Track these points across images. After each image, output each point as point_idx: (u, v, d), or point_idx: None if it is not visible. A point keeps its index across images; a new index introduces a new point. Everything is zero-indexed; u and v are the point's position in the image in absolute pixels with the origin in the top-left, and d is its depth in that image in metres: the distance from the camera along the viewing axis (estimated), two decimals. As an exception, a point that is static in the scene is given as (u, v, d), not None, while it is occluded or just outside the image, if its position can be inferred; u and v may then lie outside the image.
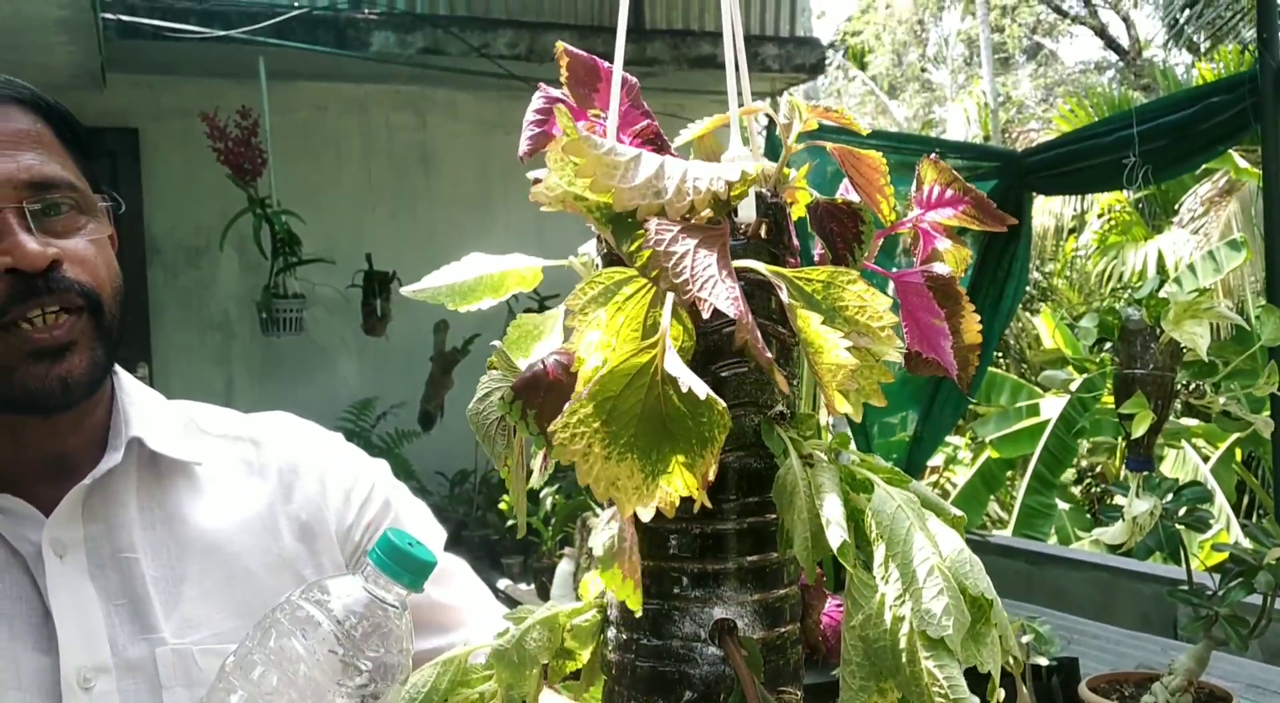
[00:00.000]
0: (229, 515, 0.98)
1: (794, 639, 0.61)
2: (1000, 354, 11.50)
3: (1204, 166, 7.74)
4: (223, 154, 4.33)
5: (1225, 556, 2.35)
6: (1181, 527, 2.29)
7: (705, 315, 0.50)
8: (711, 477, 0.50)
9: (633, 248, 0.52)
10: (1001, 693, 1.83)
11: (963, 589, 0.53)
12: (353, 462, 1.08)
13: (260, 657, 0.69)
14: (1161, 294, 1.96)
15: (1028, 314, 11.48)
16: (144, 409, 0.99)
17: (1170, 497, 2.26)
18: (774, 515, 0.60)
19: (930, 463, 8.93)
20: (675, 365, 0.49)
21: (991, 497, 8.21)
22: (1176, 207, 10.53)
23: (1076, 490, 9.88)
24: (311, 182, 5.16)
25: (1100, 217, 11.00)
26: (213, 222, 4.75)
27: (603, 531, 0.57)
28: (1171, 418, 2.06)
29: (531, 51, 5.01)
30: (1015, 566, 4.29)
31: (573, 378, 0.53)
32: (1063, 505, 8.63)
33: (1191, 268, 7.69)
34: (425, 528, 1.09)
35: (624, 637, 0.60)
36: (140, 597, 0.92)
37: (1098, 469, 9.67)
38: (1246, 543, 2.41)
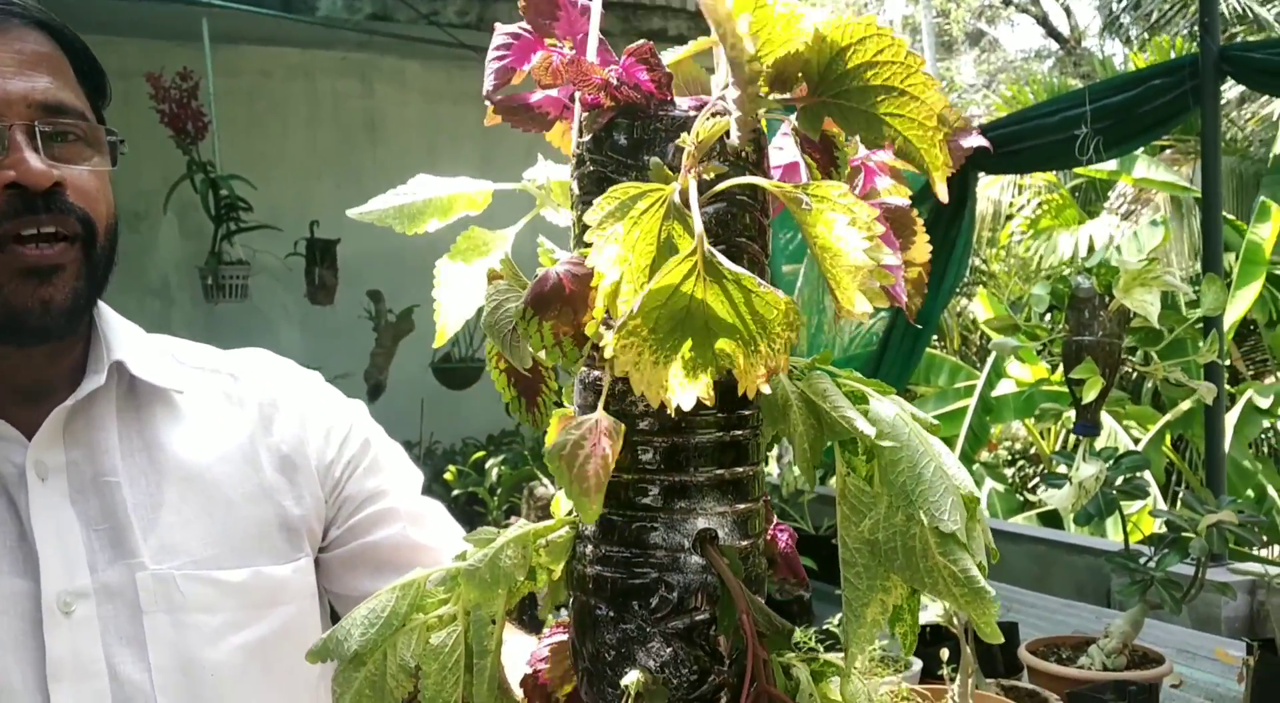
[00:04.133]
0: (209, 445, 0.98)
1: (760, 550, 0.62)
2: (939, 337, 11.65)
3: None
4: (166, 116, 4.25)
5: (1151, 530, 2.41)
6: (1120, 494, 2.34)
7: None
8: (779, 367, 0.50)
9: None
10: (945, 652, 1.86)
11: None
12: (332, 399, 1.08)
13: None
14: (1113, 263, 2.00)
15: (965, 299, 11.64)
16: (125, 337, 0.98)
17: (1110, 464, 2.32)
18: (750, 429, 0.61)
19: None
20: (727, 264, 0.49)
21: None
22: (1109, 193, 10.72)
23: (1009, 472, 10.06)
24: (255, 148, 5.08)
25: (1035, 200, 11.16)
26: (154, 186, 4.66)
27: (560, 436, 0.57)
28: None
29: (481, 20, 4.97)
30: (954, 538, 4.36)
31: (585, 288, 0.54)
32: (996, 486, 8.79)
33: (1118, 249, 7.84)
34: (403, 469, 1.09)
35: (602, 551, 0.61)
36: (120, 522, 0.91)
37: (1031, 451, 9.85)
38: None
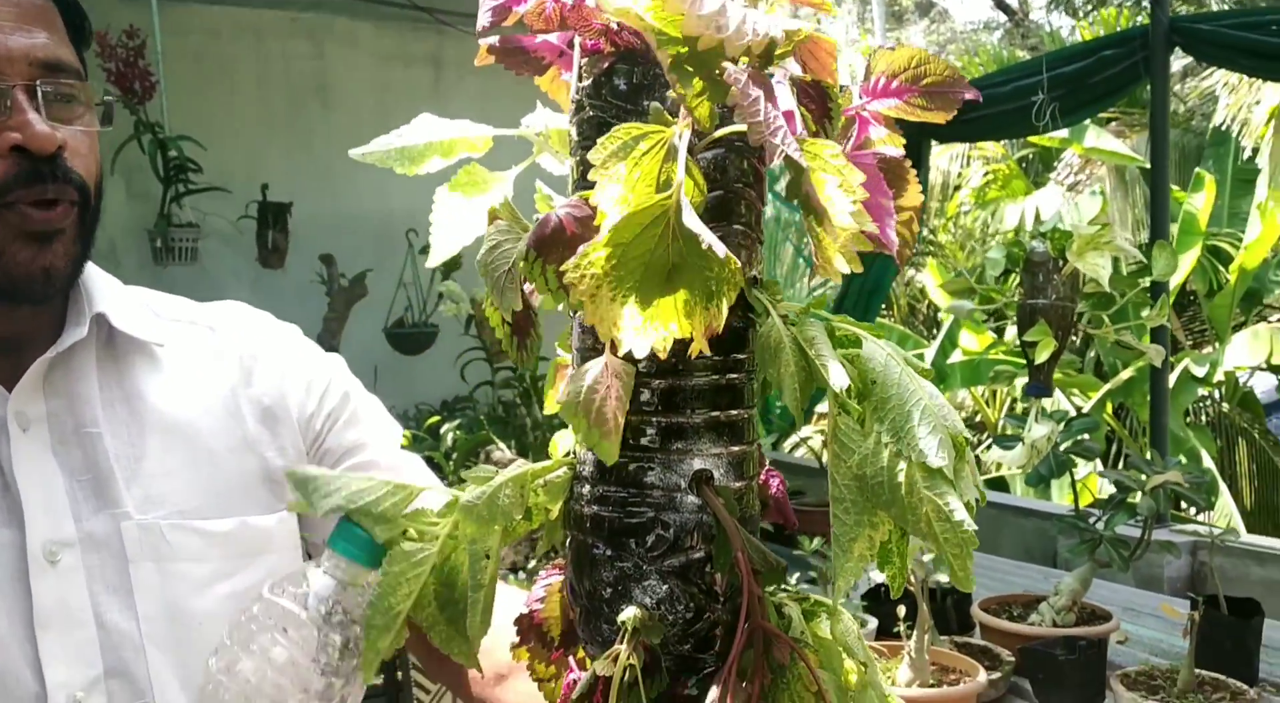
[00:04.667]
0: (190, 397, 0.97)
1: (753, 492, 0.64)
2: (886, 306, 11.76)
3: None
4: (112, 75, 4.17)
5: (1095, 495, 2.46)
6: (1070, 456, 2.39)
7: (773, 163, 0.51)
8: (718, 328, 0.51)
9: (696, 92, 0.53)
10: (902, 610, 1.90)
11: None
12: (311, 352, 1.08)
13: (244, 653, 0.72)
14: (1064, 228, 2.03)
15: (912, 269, 11.75)
16: (105, 289, 0.97)
17: (1062, 426, 2.37)
18: (745, 372, 0.62)
19: (819, 410, 9.15)
20: (691, 220, 0.50)
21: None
22: (1055, 164, 10.87)
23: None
24: (204, 109, 5.00)
25: (983, 171, 11.28)
26: (100, 147, 4.58)
27: (572, 384, 0.58)
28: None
29: (435, -18, 4.92)
30: (905, 502, 4.44)
31: (587, 230, 0.54)
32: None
33: (1060, 218, 7.97)
34: (382, 422, 1.10)
35: (599, 491, 0.62)
36: (103, 472, 0.91)
37: (977, 419, 10.00)
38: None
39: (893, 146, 0.67)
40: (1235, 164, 9.21)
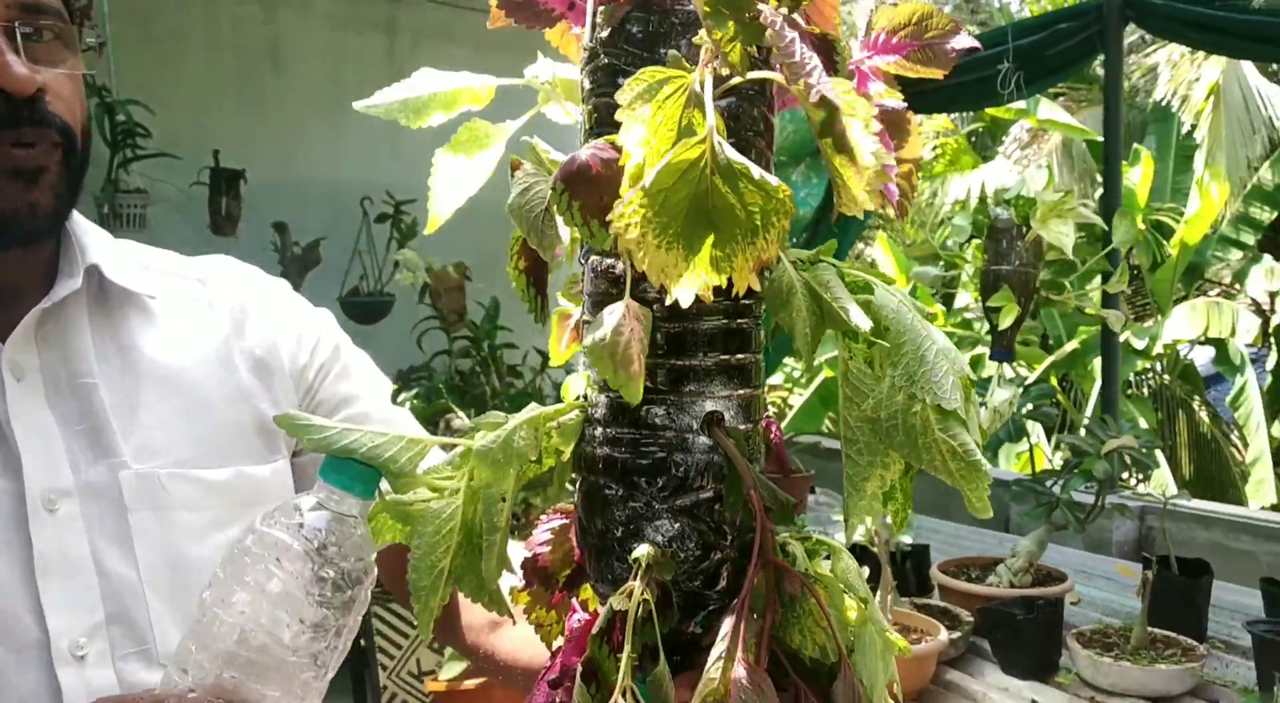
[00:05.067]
0: (184, 348, 0.97)
1: (759, 434, 0.65)
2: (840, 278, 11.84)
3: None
4: (59, 36, 4.07)
5: (1041, 466, 2.51)
6: (1028, 420, 2.44)
7: (813, 100, 0.52)
8: (772, 259, 0.52)
9: (730, 34, 0.53)
10: (866, 570, 1.94)
11: (954, 371, 0.58)
12: (301, 305, 1.08)
13: (238, 585, 0.73)
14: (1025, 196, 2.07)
15: (862, 244, 11.83)
16: (97, 242, 0.96)
17: (1020, 392, 2.41)
18: (752, 318, 0.64)
19: (770, 382, 9.20)
20: (734, 155, 0.51)
21: (828, 413, 8.55)
22: (1003, 138, 10.98)
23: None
24: (152, 72, 4.90)
25: (931, 145, 11.37)
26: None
27: (597, 330, 0.59)
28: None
29: (389, -55, 4.86)
30: (859, 470, 4.49)
31: (612, 171, 0.55)
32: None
33: (1025, 186, 8.06)
34: (373, 376, 1.10)
35: (612, 432, 0.63)
36: (99, 422, 0.90)
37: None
38: (1056, 462, 2.59)
39: (895, 99, 0.68)
40: (1177, 139, 9.37)
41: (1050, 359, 8.62)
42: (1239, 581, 2.82)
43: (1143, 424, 7.83)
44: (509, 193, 0.71)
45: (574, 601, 0.71)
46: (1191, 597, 2.28)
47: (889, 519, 1.92)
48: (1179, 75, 9.70)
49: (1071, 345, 8.10)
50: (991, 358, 2.34)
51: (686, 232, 0.51)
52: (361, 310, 5.17)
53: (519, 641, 0.97)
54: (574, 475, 0.67)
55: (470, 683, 2.34)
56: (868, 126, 0.54)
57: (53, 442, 0.89)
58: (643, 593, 0.60)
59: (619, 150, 0.57)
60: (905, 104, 0.69)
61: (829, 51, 0.67)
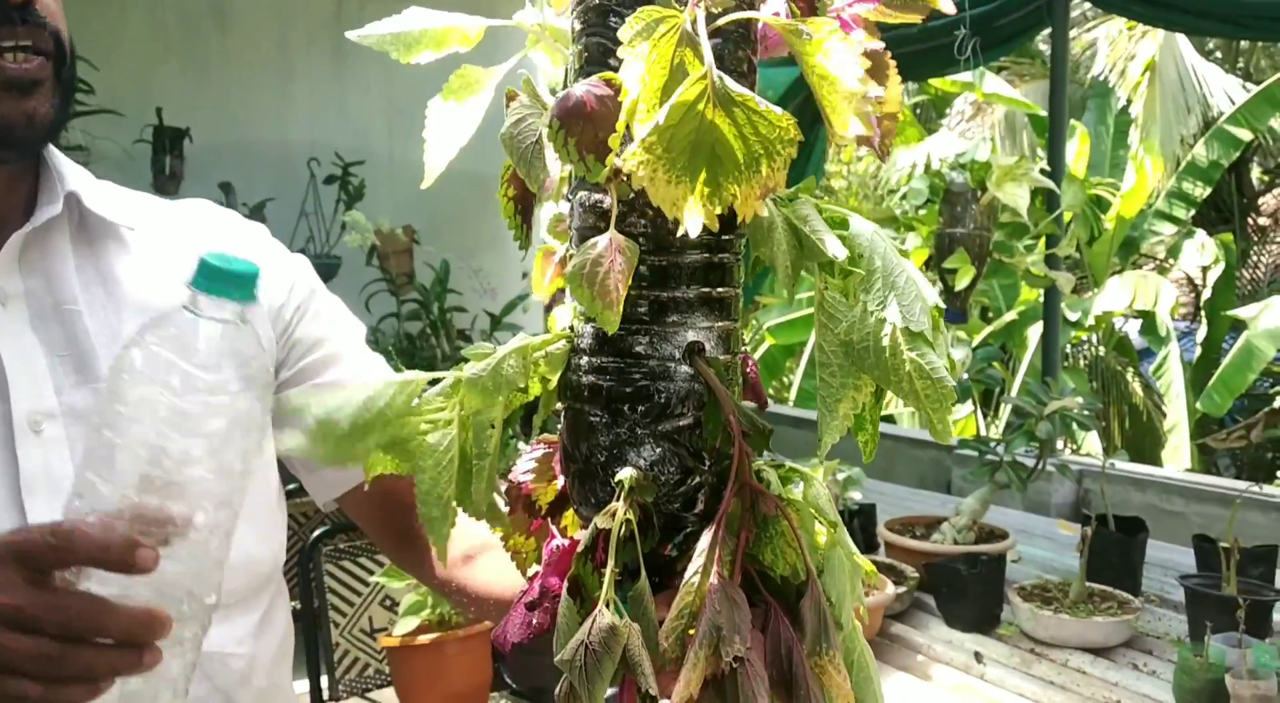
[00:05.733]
0: (163, 282, 0.97)
1: (738, 365, 0.68)
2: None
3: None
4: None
5: (972, 433, 2.56)
6: (974, 383, 2.50)
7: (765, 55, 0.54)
8: (779, 185, 0.54)
9: None
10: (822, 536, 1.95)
11: (923, 299, 0.61)
12: (278, 249, 1.09)
13: (126, 409, 0.70)
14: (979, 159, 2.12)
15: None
16: (75, 172, 0.96)
17: (971, 354, 2.47)
18: (733, 253, 0.66)
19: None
20: (736, 87, 0.53)
21: (772, 380, 8.65)
22: (947, 111, 11.08)
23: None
24: (93, 27, 4.81)
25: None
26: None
27: (578, 257, 0.61)
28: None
29: (340, -98, 4.79)
30: (804, 434, 4.56)
31: (607, 108, 0.57)
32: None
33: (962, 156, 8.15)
34: (346, 319, 1.11)
35: (596, 361, 0.65)
36: (84, 349, 0.91)
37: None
38: (986, 431, 2.65)
39: (874, 43, 0.71)
40: (1116, 114, 9.52)
41: (989, 328, 8.76)
42: (1172, 540, 2.92)
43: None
44: (459, 153, 0.73)
45: (553, 528, 0.73)
46: (1127, 553, 2.36)
47: (840, 476, 1.95)
48: (1117, 51, 9.85)
49: (1010, 316, 8.24)
50: (946, 320, 2.39)
51: (693, 165, 0.53)
52: (309, 272, 5.11)
53: (492, 574, 0.99)
54: (559, 404, 0.69)
55: (424, 638, 2.36)
56: (850, 49, 0.57)
57: (37, 366, 0.89)
58: (625, 513, 0.63)
59: (612, 87, 0.59)
60: (883, 47, 0.71)
61: (809, -1, 0.70)
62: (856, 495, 2.20)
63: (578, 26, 0.65)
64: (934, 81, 9.49)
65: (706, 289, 0.65)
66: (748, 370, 0.73)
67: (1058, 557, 2.76)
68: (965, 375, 2.43)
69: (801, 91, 4.51)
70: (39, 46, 0.86)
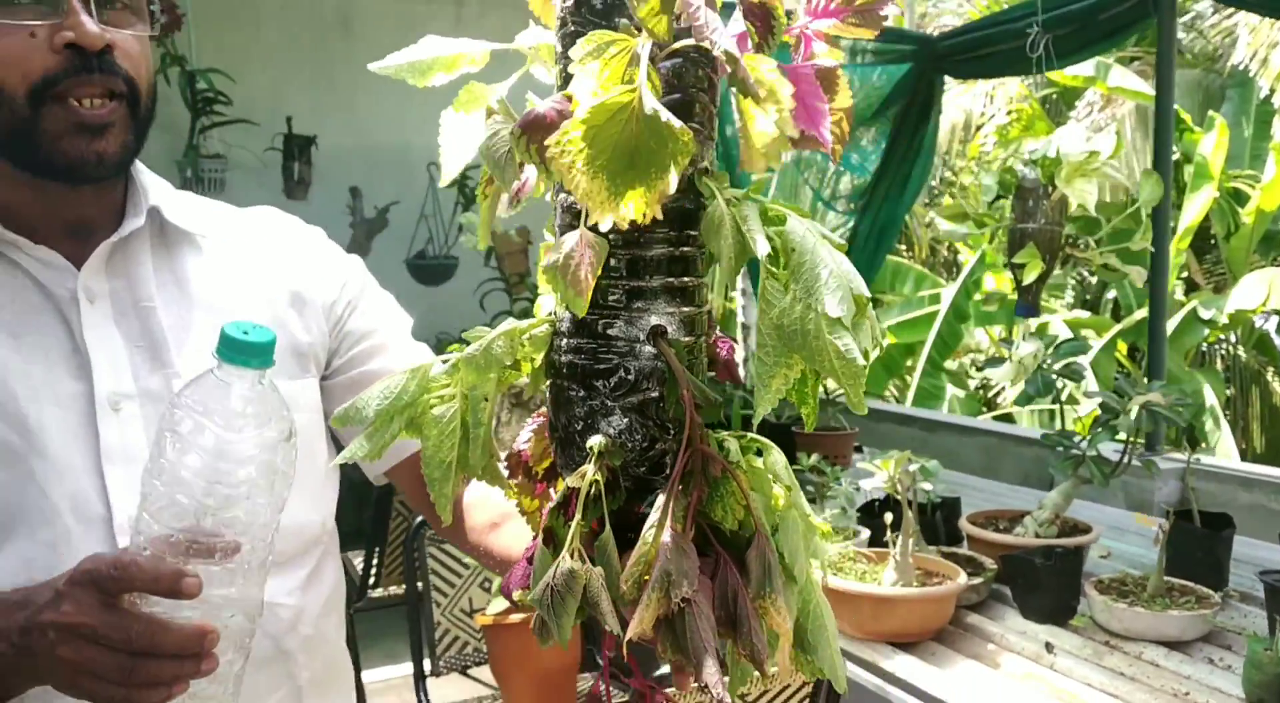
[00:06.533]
0: (230, 281, 1.11)
1: (701, 347, 0.76)
2: (905, 247, 11.80)
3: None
4: (141, 7, 4.26)
5: (1064, 427, 2.56)
6: (1058, 377, 2.51)
7: (716, 53, 0.63)
8: (669, 191, 0.63)
9: (652, 8, 0.65)
10: (890, 516, 2.03)
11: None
12: (334, 249, 1.24)
13: (171, 462, 0.84)
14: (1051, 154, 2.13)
15: (934, 211, 11.75)
16: (158, 187, 1.11)
17: (1051, 349, 2.48)
18: (696, 246, 0.75)
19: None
20: (651, 102, 0.62)
21: (891, 379, 8.60)
22: (1077, 103, 10.82)
23: (973, 383, 10.34)
24: (229, 41, 5.10)
25: (1005, 109, 11.22)
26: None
27: (553, 253, 0.70)
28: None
29: (456, -84, 4.98)
30: (910, 431, 4.57)
31: (565, 119, 0.66)
32: (957, 393, 9.04)
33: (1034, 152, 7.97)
34: (394, 313, 1.24)
35: (573, 342, 0.74)
36: (157, 340, 1.05)
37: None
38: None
39: (831, 59, 0.78)
40: (1257, 104, 9.17)
41: (1118, 327, 8.55)
42: (1274, 538, 2.86)
43: (1210, 396, 7.74)
44: None
45: (552, 491, 0.83)
46: (1211, 549, 2.35)
47: (912, 467, 2.00)
48: (1258, 38, 9.48)
49: (1139, 314, 8.02)
50: (1016, 313, 2.41)
51: (610, 165, 0.62)
52: (427, 272, 5.33)
53: (512, 538, 1.10)
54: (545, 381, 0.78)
55: (515, 618, 2.48)
56: (771, 98, 0.65)
57: (118, 354, 1.03)
58: (594, 475, 0.72)
59: (571, 101, 0.68)
60: (838, 63, 0.79)
61: (767, 18, 0.78)
62: (927, 487, 2.24)
63: (559, 49, 0.75)
64: (1057, 75, 9.27)
65: (671, 279, 0.74)
66: (721, 353, 0.81)
67: (1149, 554, 2.74)
68: (1048, 369, 2.44)
69: (905, 92, 4.53)
70: (113, 91, 0.99)
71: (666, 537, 0.69)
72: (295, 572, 1.12)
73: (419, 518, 2.80)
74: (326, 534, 1.18)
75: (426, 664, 2.77)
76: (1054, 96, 11.52)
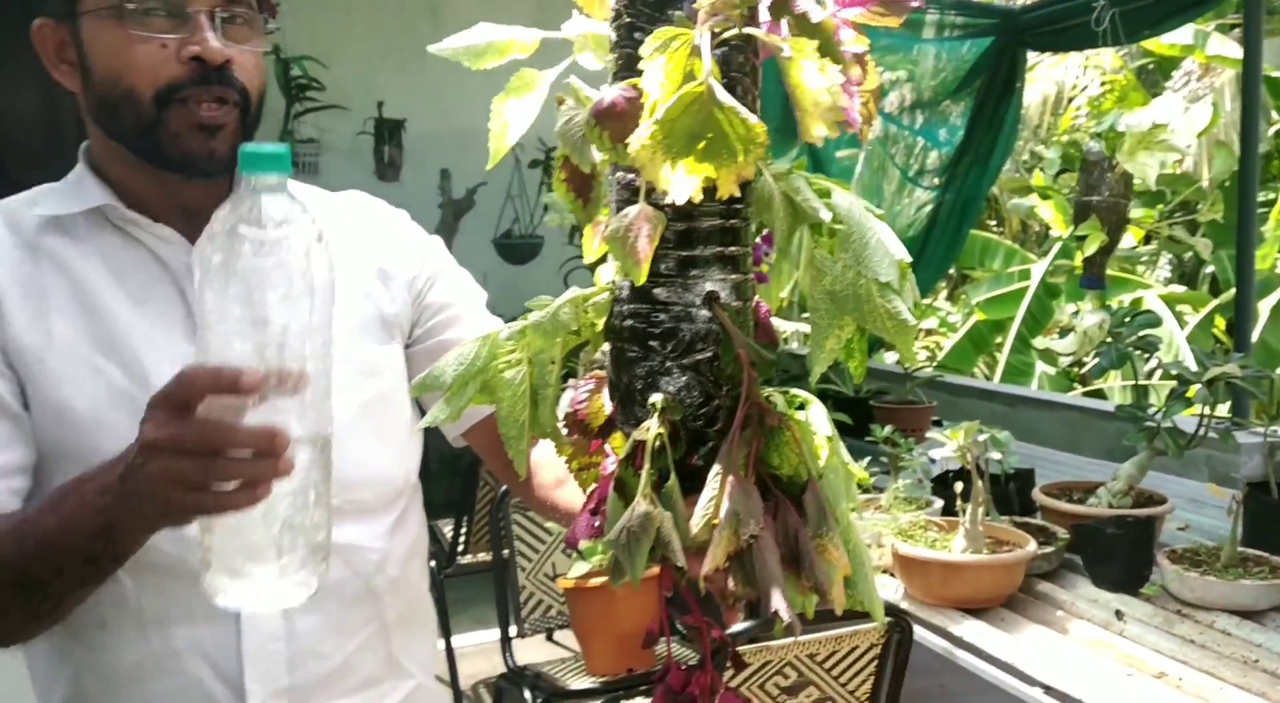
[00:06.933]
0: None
1: (749, 311, 0.83)
2: (995, 222, 11.64)
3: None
4: (238, -2, 4.43)
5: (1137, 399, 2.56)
6: (1132, 348, 2.52)
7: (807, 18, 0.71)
8: (748, 176, 0.70)
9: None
10: (960, 485, 2.09)
11: (891, 256, 0.76)
12: (416, 229, 1.35)
13: (217, 303, 0.85)
14: (1120, 128, 2.15)
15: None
16: None
17: (1125, 321, 2.49)
18: (742, 219, 0.81)
19: (925, 326, 9.20)
20: (725, 97, 0.69)
21: (980, 356, 8.53)
22: (1173, 73, 10.54)
23: (1065, 361, 10.20)
24: (320, 29, 5.26)
25: (1098, 81, 10.98)
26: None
27: (614, 225, 0.78)
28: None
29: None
30: (992, 406, 4.57)
31: (633, 107, 0.74)
32: (1047, 369, 8.93)
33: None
34: (471, 287, 1.34)
35: (632, 307, 0.82)
36: None
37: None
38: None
39: (860, 45, 0.84)
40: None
41: (1215, 302, 8.36)
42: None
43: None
44: None
45: (607, 448, 0.91)
46: (1288, 520, 2.35)
47: (981, 437, 2.05)
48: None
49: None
50: (1081, 285, 2.43)
51: (685, 151, 0.70)
52: (513, 252, 5.46)
53: (575, 493, 1.19)
54: (605, 344, 0.86)
55: (595, 581, 2.58)
56: (822, 69, 0.72)
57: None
58: (658, 429, 0.79)
59: (636, 90, 0.75)
60: (866, 48, 0.85)
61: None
62: (996, 456, 2.27)
63: (614, 38, 0.82)
64: (1153, 44, 9.04)
65: (721, 248, 0.81)
66: (760, 315, 0.88)
67: (1225, 525, 2.73)
68: (1120, 342, 2.45)
69: (988, 66, 4.50)
70: (228, 99, 1.10)
71: (732, 481, 0.76)
72: (382, 519, 1.22)
73: (505, 487, 2.91)
74: (410, 487, 1.28)
75: (513, 629, 2.89)
76: (1150, 67, 11.25)
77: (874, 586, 0.84)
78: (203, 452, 0.84)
